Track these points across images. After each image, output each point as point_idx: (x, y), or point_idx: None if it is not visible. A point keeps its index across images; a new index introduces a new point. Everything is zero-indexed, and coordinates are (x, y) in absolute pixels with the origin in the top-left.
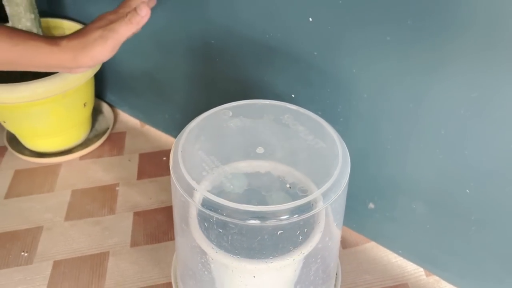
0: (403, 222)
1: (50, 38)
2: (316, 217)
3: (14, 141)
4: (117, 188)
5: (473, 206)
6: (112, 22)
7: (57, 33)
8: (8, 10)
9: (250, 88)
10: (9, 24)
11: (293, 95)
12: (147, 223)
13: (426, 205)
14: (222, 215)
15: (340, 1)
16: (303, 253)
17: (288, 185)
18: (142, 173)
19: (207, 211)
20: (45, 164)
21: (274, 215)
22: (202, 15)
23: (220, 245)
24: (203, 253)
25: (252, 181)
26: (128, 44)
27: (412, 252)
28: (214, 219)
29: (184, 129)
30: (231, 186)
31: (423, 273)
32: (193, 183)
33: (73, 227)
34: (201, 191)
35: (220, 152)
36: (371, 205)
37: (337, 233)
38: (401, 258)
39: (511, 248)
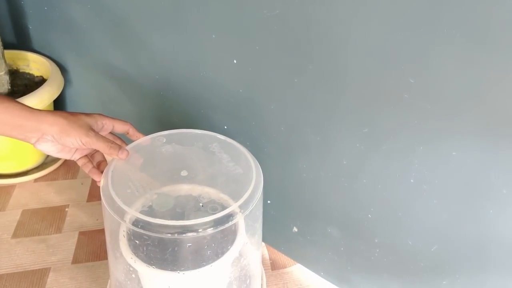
0: (322, 245)
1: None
2: (234, 230)
3: None
4: (66, 209)
5: (375, 230)
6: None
7: (22, 64)
8: None
9: (190, 119)
10: None
11: (225, 127)
12: (91, 242)
13: (339, 230)
14: (148, 231)
15: (257, 47)
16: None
17: (201, 204)
18: (92, 196)
19: (135, 228)
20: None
21: (192, 228)
22: (150, 56)
23: (144, 259)
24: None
25: (176, 201)
26: (88, 76)
27: (331, 273)
28: (139, 236)
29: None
30: (157, 207)
31: None
32: (122, 206)
33: (18, 244)
34: (130, 212)
35: (149, 175)
36: (295, 229)
37: (256, 251)
38: (323, 280)
39: (408, 269)
